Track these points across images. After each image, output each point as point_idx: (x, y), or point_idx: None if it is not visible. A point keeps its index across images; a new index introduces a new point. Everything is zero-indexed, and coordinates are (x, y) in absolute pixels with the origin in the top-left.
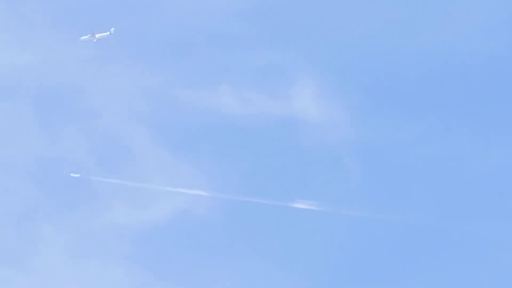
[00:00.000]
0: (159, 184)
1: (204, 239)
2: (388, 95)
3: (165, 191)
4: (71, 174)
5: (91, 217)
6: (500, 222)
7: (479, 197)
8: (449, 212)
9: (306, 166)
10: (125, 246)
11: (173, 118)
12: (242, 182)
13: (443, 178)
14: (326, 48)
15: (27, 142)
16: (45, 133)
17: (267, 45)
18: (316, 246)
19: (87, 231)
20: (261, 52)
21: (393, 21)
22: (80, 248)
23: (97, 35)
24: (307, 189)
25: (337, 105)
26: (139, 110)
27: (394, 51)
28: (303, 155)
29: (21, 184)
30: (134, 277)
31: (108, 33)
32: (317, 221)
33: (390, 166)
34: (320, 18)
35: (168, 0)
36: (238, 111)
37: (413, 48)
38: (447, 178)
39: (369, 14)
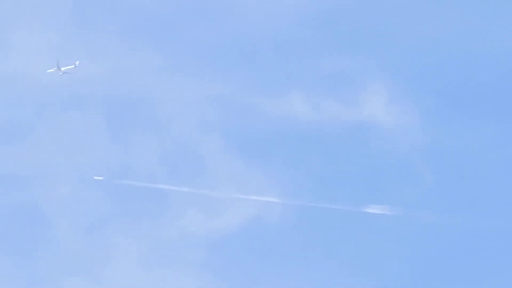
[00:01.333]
0: (230, 191)
1: (276, 246)
2: (459, 99)
3: (236, 199)
4: (95, 177)
5: (163, 226)
6: None
7: None
8: None
9: (377, 171)
10: (197, 254)
11: (244, 126)
12: (313, 188)
13: None
14: (397, 52)
15: (99, 151)
16: (117, 142)
17: (337, 51)
18: (389, 251)
19: (159, 239)
20: (331, 58)
21: (464, 24)
22: (152, 256)
23: (62, 68)
24: (379, 194)
25: (408, 110)
26: (209, 118)
27: (466, 54)
28: (375, 161)
29: (93, 193)
30: (206, 285)
31: (73, 66)
32: (389, 226)
33: (462, 170)
34: (390, 23)
35: (237, 7)
36: (309, 117)
37: (485, 51)
38: None
39: (440, 17)
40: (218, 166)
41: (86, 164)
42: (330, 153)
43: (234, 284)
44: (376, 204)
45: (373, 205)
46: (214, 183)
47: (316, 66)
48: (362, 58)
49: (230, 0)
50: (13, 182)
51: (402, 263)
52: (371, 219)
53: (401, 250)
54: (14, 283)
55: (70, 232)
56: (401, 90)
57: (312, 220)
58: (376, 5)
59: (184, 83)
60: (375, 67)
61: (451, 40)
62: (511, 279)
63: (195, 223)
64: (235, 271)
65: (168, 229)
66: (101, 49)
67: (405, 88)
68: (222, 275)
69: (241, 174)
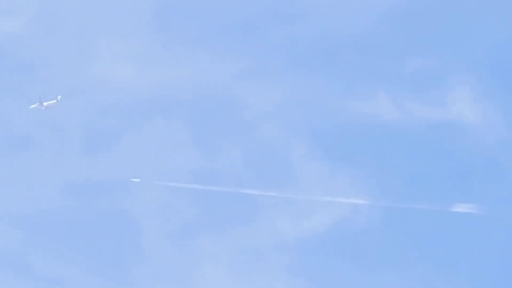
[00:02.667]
0: (318, 194)
1: (364, 248)
2: None
3: (324, 201)
4: (132, 179)
5: (251, 230)
6: None
7: None
8: None
9: (464, 170)
10: (285, 258)
11: (329, 127)
12: (400, 189)
13: None
14: (481, 50)
15: (185, 157)
16: (202, 148)
17: (421, 49)
18: (476, 250)
19: (247, 244)
20: (416, 57)
21: None
22: (240, 261)
23: (45, 103)
24: (466, 193)
25: (493, 108)
26: (295, 120)
27: None
28: (461, 159)
29: (180, 199)
30: (296, 287)
31: (55, 100)
32: (477, 225)
33: None
34: (475, 20)
35: (318, 7)
36: (395, 117)
37: None
38: None
39: None
40: (304, 169)
41: (173, 170)
42: (416, 153)
43: (323, 286)
44: (463, 203)
45: (460, 204)
46: (301, 185)
47: (400, 65)
48: (447, 57)
49: (310, 1)
50: (101, 189)
51: (490, 261)
52: (458, 218)
53: (489, 249)
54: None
55: (158, 238)
56: (486, 88)
57: (399, 220)
58: (460, 2)
59: (268, 86)
60: (459, 65)
61: None
62: None
63: (283, 227)
64: (324, 274)
65: (256, 233)
66: (184, 55)
67: (490, 85)
68: (312, 278)
69: (327, 176)
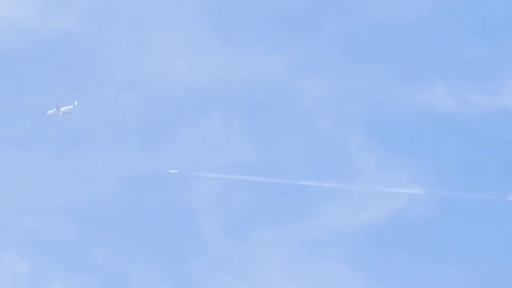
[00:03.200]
0: (375, 184)
1: (422, 238)
2: None
3: (381, 192)
4: (169, 170)
5: (308, 221)
6: None
7: None
8: None
9: None
10: (344, 248)
11: (386, 118)
12: (457, 178)
13: None
14: None
15: (243, 150)
16: (258, 140)
17: (478, 38)
18: None
19: (305, 235)
20: (473, 45)
21: None
22: (299, 252)
23: (62, 109)
24: None
25: None
26: (351, 111)
27: None
28: None
29: (238, 191)
30: (353, 279)
31: (72, 106)
32: None
33: None
34: None
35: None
36: (451, 107)
37: None
38: None
39: None
40: (361, 160)
41: (230, 163)
42: (472, 142)
43: (381, 277)
44: None
45: None
46: (359, 176)
47: (457, 55)
48: (504, 45)
49: None
50: (158, 182)
51: None
52: None
53: None
54: (165, 280)
55: (216, 231)
56: None
57: (456, 210)
58: None
59: (324, 77)
60: None
61: None
62: None
63: (340, 218)
64: (382, 264)
65: (314, 224)
66: (239, 47)
67: None
68: (369, 269)
69: (384, 166)
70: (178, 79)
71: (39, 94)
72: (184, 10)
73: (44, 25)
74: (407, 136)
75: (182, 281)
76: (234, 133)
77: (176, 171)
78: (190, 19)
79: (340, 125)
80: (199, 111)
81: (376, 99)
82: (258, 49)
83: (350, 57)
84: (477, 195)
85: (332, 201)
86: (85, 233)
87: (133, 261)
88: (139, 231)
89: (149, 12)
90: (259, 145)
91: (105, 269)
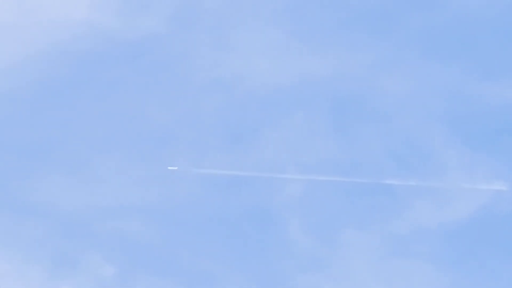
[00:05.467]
0: (459, 181)
1: (508, 235)
2: None
3: (465, 189)
4: (169, 167)
5: (393, 220)
6: None
7: None
8: None
9: None
10: (428, 246)
11: (469, 114)
12: None
13: None
14: None
15: (325, 150)
16: (342, 139)
17: None
18: None
19: (390, 233)
20: None
21: None
22: (384, 251)
23: None
24: None
25: None
26: (435, 108)
27: None
28: None
29: (321, 191)
30: (440, 277)
31: None
32: None
33: None
34: None
35: None
36: None
37: None
38: None
39: None
40: (445, 157)
41: (313, 163)
42: None
43: (466, 275)
44: None
45: None
46: (442, 173)
47: None
48: None
49: None
50: (242, 184)
51: None
52: None
53: None
54: (251, 282)
55: (302, 230)
56: None
57: None
58: None
59: (406, 74)
60: None
61: None
62: None
63: (425, 216)
64: (468, 262)
65: (399, 222)
66: (320, 46)
67: None
68: (455, 266)
69: (468, 163)
70: (261, 79)
71: (121, 97)
72: (266, 10)
73: (126, 27)
74: (490, 132)
75: (267, 282)
76: (317, 133)
77: (176, 167)
78: (271, 19)
79: (423, 123)
80: (282, 111)
81: (458, 96)
82: (339, 48)
83: (432, 54)
84: None
85: (416, 200)
86: (169, 235)
87: (218, 262)
88: (224, 232)
89: (231, 12)
90: (343, 145)
91: (190, 272)
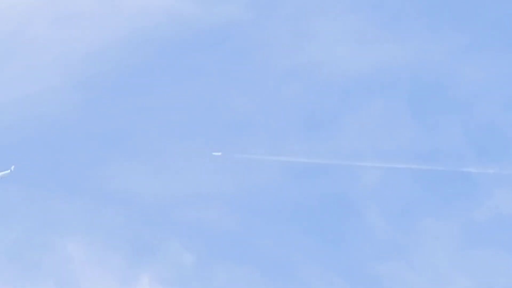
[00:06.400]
0: None
1: None
2: None
3: None
4: (213, 153)
5: (472, 207)
6: None
7: None
8: None
9: None
10: (509, 234)
11: None
12: None
13: None
14: None
15: (404, 137)
16: (421, 127)
17: None
18: None
19: (469, 221)
20: None
21: None
22: (463, 239)
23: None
24: None
25: None
26: None
27: None
28: None
29: (399, 179)
30: None
31: (8, 171)
32: None
33: None
34: None
35: None
36: None
37: None
38: None
39: None
40: None
41: (392, 151)
42: None
43: None
44: None
45: None
46: None
47: None
48: None
49: None
50: (320, 172)
51: None
52: None
53: None
54: (330, 270)
55: (381, 218)
56: None
57: None
58: None
59: (487, 61)
60: None
61: None
62: None
63: (505, 203)
64: None
65: (479, 210)
66: (399, 34)
67: None
68: None
69: None
70: (340, 66)
71: (200, 84)
72: None
73: (206, 15)
74: None
75: (346, 270)
76: (396, 120)
77: (219, 153)
78: (350, 6)
79: (503, 110)
80: (360, 99)
81: None
82: (418, 35)
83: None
84: None
85: (496, 187)
86: (247, 223)
87: (297, 250)
88: (303, 220)
89: (310, 0)
90: (422, 132)
91: (268, 259)
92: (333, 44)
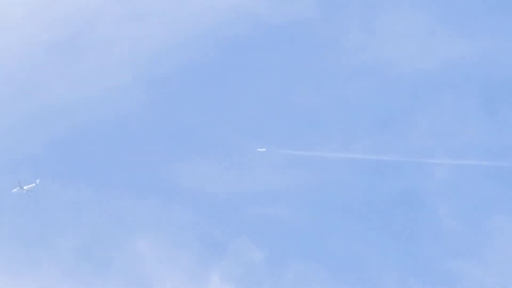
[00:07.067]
0: None
1: None
2: None
3: None
4: (258, 149)
5: None
6: None
7: None
8: None
9: None
10: None
11: None
12: None
13: None
14: None
15: (474, 133)
16: (492, 123)
17: None
18: None
19: None
20: None
21: None
22: None
23: (25, 187)
24: None
25: None
26: None
27: None
28: None
29: (470, 176)
30: None
31: (34, 184)
32: None
33: None
34: None
35: None
36: None
37: None
38: None
39: None
40: None
41: (463, 147)
42: None
43: None
44: None
45: None
46: None
47: None
48: None
49: None
50: (390, 169)
51: None
52: None
53: None
54: (401, 264)
55: (452, 215)
56: None
57: None
58: None
59: None
60: None
61: None
62: None
63: None
64: None
65: None
66: (467, 31)
67: None
68: None
69: None
70: (409, 64)
71: (269, 82)
72: None
73: (274, 13)
74: None
75: (417, 266)
76: (467, 117)
77: (264, 149)
78: (418, 3)
79: None
80: (430, 96)
81: None
82: (488, 32)
83: None
84: None
85: None
86: (318, 219)
87: (368, 247)
88: (373, 216)
89: None
90: (492, 129)
91: (339, 256)
92: (402, 42)
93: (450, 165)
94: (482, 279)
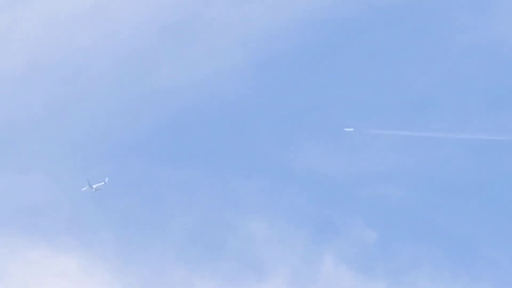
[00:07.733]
0: None
1: None
2: None
3: None
4: (345, 129)
5: None
6: None
7: None
8: None
9: None
10: None
11: None
12: None
13: None
14: None
15: None
16: None
17: None
18: None
19: None
20: None
21: None
22: None
23: (94, 186)
24: None
25: None
26: None
27: None
28: None
29: None
30: None
31: (103, 183)
32: None
33: None
34: None
35: None
36: None
37: None
38: None
39: None
40: None
41: None
42: None
43: None
44: None
45: None
46: None
47: None
48: None
49: None
50: (504, 149)
51: None
52: None
53: None
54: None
55: None
56: None
57: None
58: None
59: None
60: None
61: None
62: None
63: None
64: None
65: None
66: None
67: None
68: None
69: None
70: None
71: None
72: None
73: None
74: None
75: None
76: None
77: (352, 129)
78: None
79: None
80: None
81: None
82: None
83: None
84: None
85: None
86: (430, 200)
87: (480, 228)
88: (485, 197)
89: None
90: None
91: (451, 237)
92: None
93: None
94: None
